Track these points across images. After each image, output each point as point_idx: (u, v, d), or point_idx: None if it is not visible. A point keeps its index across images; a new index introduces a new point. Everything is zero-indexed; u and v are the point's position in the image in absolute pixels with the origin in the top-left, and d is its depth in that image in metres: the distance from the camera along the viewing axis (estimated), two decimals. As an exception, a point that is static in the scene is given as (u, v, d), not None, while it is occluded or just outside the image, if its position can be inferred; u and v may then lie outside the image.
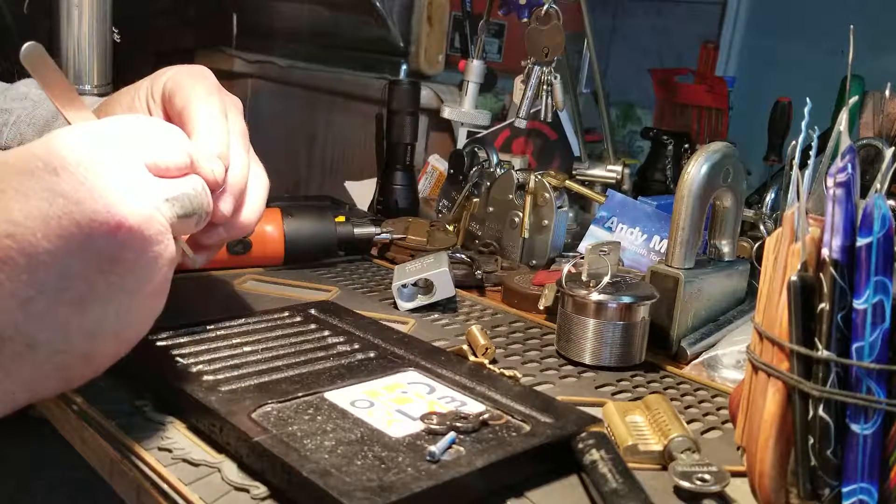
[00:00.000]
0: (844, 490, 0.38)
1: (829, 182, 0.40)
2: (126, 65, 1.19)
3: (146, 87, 0.59)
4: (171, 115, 0.57)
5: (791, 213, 0.41)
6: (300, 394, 0.52)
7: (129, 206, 0.41)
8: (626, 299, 0.66)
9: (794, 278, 0.40)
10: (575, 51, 1.27)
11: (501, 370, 0.62)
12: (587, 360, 0.67)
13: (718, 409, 0.62)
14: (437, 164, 1.29)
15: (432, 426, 0.49)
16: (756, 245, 0.84)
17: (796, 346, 0.40)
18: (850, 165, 0.40)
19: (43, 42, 1.13)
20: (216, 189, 0.52)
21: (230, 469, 0.46)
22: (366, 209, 1.18)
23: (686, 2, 1.76)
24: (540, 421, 0.51)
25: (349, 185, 1.32)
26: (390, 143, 1.14)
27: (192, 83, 0.56)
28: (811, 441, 0.39)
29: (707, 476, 0.47)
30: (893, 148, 0.41)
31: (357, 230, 0.92)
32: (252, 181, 0.57)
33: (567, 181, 1.00)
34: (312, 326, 0.65)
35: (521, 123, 1.08)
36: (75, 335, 0.42)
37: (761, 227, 0.89)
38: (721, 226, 0.76)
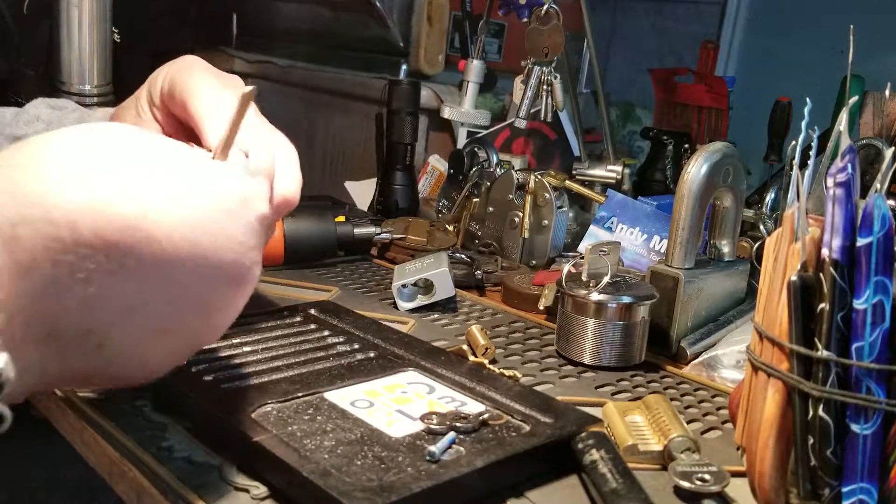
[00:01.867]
0: (844, 490, 0.38)
1: (829, 182, 0.40)
2: (126, 65, 1.19)
3: (146, 94, 0.58)
4: (175, 113, 0.56)
5: (791, 213, 0.41)
6: (300, 394, 0.52)
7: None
8: (626, 299, 0.66)
9: (794, 278, 0.40)
10: (575, 51, 1.28)
11: (501, 370, 0.62)
12: (587, 360, 0.67)
13: (718, 409, 0.62)
14: (437, 164, 1.29)
15: (432, 426, 0.49)
16: (756, 245, 0.84)
17: (796, 346, 0.40)
18: (850, 165, 0.40)
19: (43, 42, 1.13)
20: None
21: (230, 469, 0.46)
22: (366, 209, 1.18)
23: (686, 2, 1.76)
24: (540, 421, 0.51)
25: (349, 185, 1.31)
26: (390, 143, 1.14)
27: (187, 78, 0.54)
28: (811, 441, 0.39)
29: (707, 476, 0.47)
30: (893, 148, 0.41)
31: (357, 230, 0.92)
32: (278, 152, 0.54)
33: (567, 181, 1.00)
34: (312, 326, 0.65)
35: (521, 123, 1.08)
36: (148, 347, 0.41)
37: (761, 227, 0.89)
38: (721, 226, 0.76)
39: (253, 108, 0.54)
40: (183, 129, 0.54)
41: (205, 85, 0.53)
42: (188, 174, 0.41)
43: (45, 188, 0.36)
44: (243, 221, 0.42)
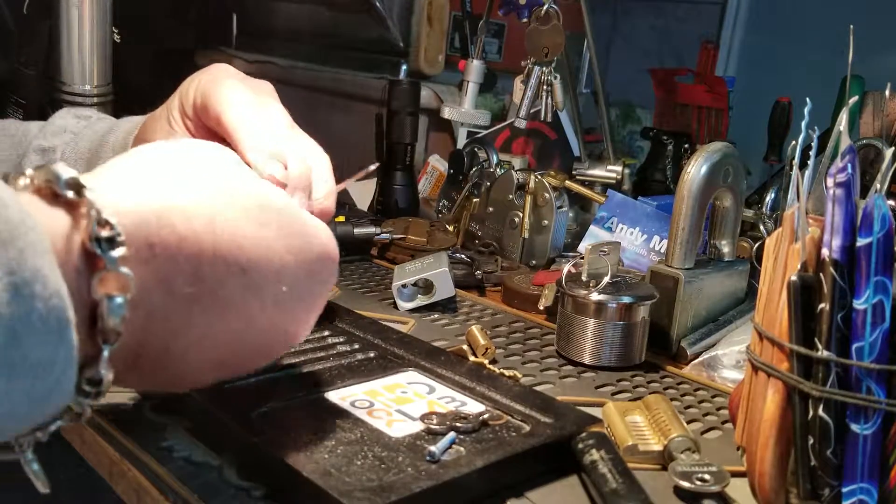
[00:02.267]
0: (844, 490, 0.38)
1: (829, 182, 0.40)
2: (126, 65, 1.19)
3: (177, 106, 0.57)
4: (209, 125, 0.55)
5: (791, 213, 0.42)
6: (300, 394, 0.52)
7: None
8: (626, 299, 0.66)
9: (794, 278, 0.40)
10: (575, 51, 1.27)
11: (501, 370, 0.62)
12: (587, 360, 0.67)
13: (718, 409, 0.62)
14: (437, 164, 1.29)
15: (432, 426, 0.49)
16: (756, 245, 0.84)
17: (796, 346, 0.40)
18: (849, 166, 0.40)
19: (43, 42, 1.13)
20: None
21: (230, 469, 0.46)
22: (366, 209, 1.18)
23: (686, 2, 1.76)
24: (540, 421, 0.51)
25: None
26: (390, 143, 1.14)
27: (218, 88, 0.54)
28: (811, 441, 0.39)
29: (707, 476, 0.47)
30: (893, 148, 0.41)
31: (357, 230, 0.92)
32: (313, 163, 0.54)
33: (567, 181, 1.00)
34: (312, 326, 0.65)
35: (521, 124, 1.07)
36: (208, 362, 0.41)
37: (761, 227, 0.89)
38: (721, 226, 0.76)
39: (287, 118, 0.55)
40: (216, 140, 0.53)
41: (238, 97, 0.53)
42: (297, 228, 0.42)
43: (174, 212, 0.36)
44: (326, 286, 0.45)
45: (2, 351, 0.28)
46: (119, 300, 0.33)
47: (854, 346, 0.38)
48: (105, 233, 0.32)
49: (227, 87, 0.54)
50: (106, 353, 0.33)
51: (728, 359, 0.67)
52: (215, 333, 0.39)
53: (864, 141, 0.80)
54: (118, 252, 0.33)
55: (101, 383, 0.34)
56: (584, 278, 0.68)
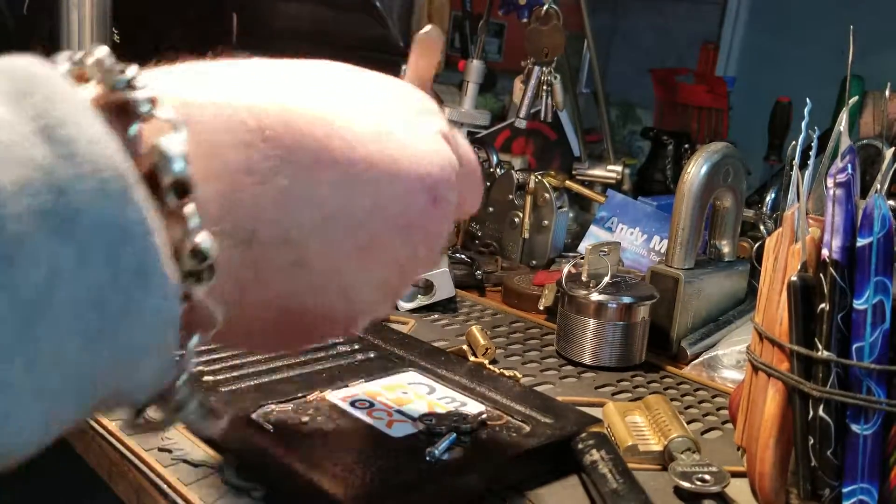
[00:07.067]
0: (845, 490, 0.38)
1: (829, 182, 0.40)
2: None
3: None
4: None
5: (791, 213, 0.42)
6: (300, 394, 0.52)
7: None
8: (626, 299, 0.66)
9: (794, 279, 0.40)
10: (575, 51, 1.27)
11: (501, 370, 0.62)
12: (587, 360, 0.67)
13: (718, 409, 0.62)
14: (437, 164, 1.29)
15: (432, 427, 0.49)
16: (756, 245, 0.84)
17: (796, 346, 0.40)
18: (849, 166, 0.40)
19: (42, 42, 1.13)
20: None
21: (230, 470, 0.46)
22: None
23: (686, 2, 1.76)
24: (540, 421, 0.51)
25: (349, 185, 1.31)
26: (390, 143, 1.14)
27: None
28: (811, 441, 0.39)
29: (707, 476, 0.47)
30: (893, 148, 0.41)
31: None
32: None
33: (567, 181, 1.00)
34: (312, 327, 0.65)
35: (521, 124, 1.07)
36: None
37: (761, 227, 0.89)
38: (721, 226, 0.76)
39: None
40: None
41: None
42: (376, 80, 0.41)
43: (229, 86, 0.33)
44: (427, 131, 0.39)
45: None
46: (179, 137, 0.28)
47: (854, 347, 0.38)
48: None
49: None
50: (192, 211, 0.27)
51: (728, 359, 0.67)
52: (323, 208, 0.33)
53: (864, 141, 0.80)
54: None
55: (206, 255, 0.28)
56: (584, 278, 0.68)
